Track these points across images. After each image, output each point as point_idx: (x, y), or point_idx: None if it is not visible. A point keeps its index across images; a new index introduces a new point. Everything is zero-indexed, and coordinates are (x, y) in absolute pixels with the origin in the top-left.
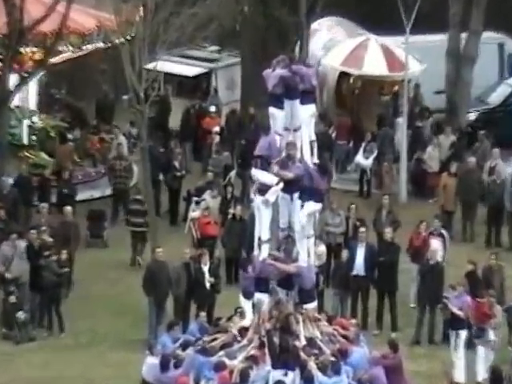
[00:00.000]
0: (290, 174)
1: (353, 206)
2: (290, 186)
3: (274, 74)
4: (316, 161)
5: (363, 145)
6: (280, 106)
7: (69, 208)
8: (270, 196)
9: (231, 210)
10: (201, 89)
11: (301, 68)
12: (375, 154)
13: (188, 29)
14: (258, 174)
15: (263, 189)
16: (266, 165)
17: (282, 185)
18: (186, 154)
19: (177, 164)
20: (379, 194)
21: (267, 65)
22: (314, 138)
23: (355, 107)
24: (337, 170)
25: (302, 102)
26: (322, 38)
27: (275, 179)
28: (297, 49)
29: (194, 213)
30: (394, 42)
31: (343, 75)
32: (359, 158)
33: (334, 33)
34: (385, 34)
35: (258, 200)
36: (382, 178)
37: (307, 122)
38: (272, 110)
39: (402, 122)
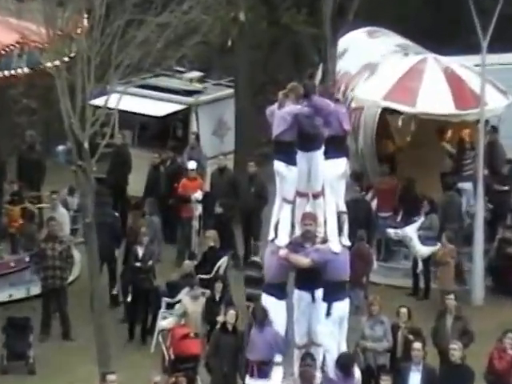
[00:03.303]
0: (305, 261)
1: (403, 309)
2: (307, 280)
3: (282, 113)
4: (347, 242)
5: (419, 220)
6: (291, 161)
7: None
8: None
9: (220, 318)
10: (174, 136)
11: (325, 102)
12: (437, 246)
13: (155, 45)
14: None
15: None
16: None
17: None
18: (153, 234)
19: (140, 251)
20: (442, 291)
21: (272, 98)
22: (343, 207)
23: (406, 162)
24: (379, 255)
25: (328, 155)
26: (356, 59)
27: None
28: (318, 75)
29: (165, 321)
30: (463, 64)
31: (388, 115)
32: (413, 240)
33: (372, 51)
34: (450, 52)
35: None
36: (446, 267)
37: (334, 185)
38: (279, 166)
39: (469, 185)
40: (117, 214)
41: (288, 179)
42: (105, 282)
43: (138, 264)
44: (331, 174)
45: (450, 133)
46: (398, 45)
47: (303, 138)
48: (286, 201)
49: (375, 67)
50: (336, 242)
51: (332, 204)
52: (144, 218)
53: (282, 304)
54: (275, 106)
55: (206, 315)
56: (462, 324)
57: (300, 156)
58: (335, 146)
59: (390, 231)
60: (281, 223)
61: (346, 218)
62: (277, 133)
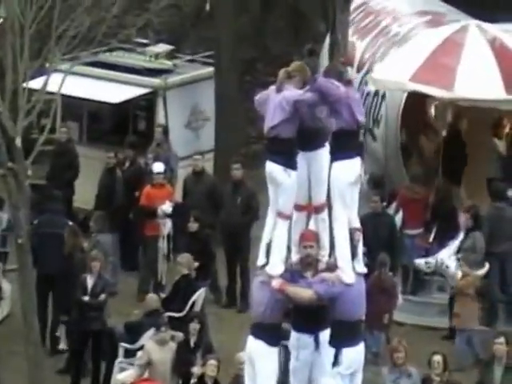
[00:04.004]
0: (306, 294)
1: (437, 357)
2: (309, 319)
3: (279, 98)
4: (362, 269)
5: (458, 238)
6: (290, 164)
7: None
8: None
9: (196, 369)
10: (135, 129)
11: (332, 86)
12: (486, 269)
13: (110, 10)
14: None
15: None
16: None
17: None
18: (107, 259)
19: (89, 281)
20: (489, 332)
21: (265, 80)
22: (357, 223)
23: (441, 164)
24: (405, 287)
25: (336, 156)
26: (375, 28)
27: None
28: (324, 50)
29: (123, 374)
30: None
31: (416, 101)
32: (451, 267)
33: (396, 17)
34: (499, 17)
35: None
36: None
37: (344, 195)
38: (274, 170)
39: None
40: (71, 223)
41: (285, 188)
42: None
43: (86, 298)
44: (340, 179)
45: (501, 125)
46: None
47: (301, 133)
48: (282, 216)
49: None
50: (348, 270)
51: (342, 219)
52: (91, 237)
53: (274, 352)
54: (270, 90)
55: (176, 366)
56: None
57: (302, 157)
58: (345, 144)
59: (420, 262)
60: (274, 245)
61: (360, 237)
62: (272, 125)
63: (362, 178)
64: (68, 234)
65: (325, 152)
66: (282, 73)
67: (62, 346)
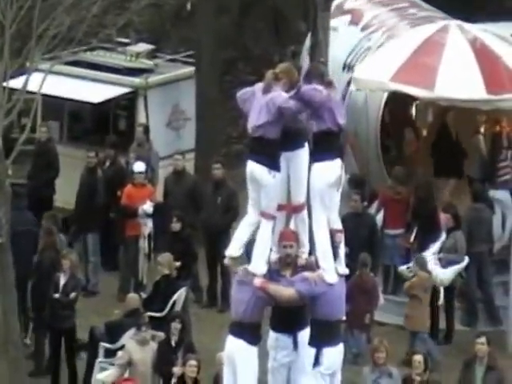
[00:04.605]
0: (287, 292)
1: (417, 357)
2: (288, 319)
3: (266, 99)
4: (344, 270)
5: (439, 238)
6: (275, 166)
7: None
8: None
9: (177, 369)
10: (116, 128)
11: (315, 92)
12: (465, 262)
13: (91, 9)
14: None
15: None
16: None
17: None
18: (86, 258)
19: (62, 279)
20: (469, 332)
21: (246, 79)
22: (338, 224)
23: (421, 164)
24: (386, 285)
25: (316, 157)
26: (354, 29)
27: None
28: (305, 50)
29: (104, 374)
30: (497, 33)
31: (397, 101)
32: (431, 264)
33: (378, 18)
34: (479, 18)
35: None
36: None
37: (324, 196)
38: (257, 171)
39: (505, 194)
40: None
41: (269, 189)
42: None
43: (57, 295)
44: (320, 180)
45: (480, 125)
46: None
47: (281, 133)
48: (266, 216)
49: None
50: (330, 270)
51: (322, 220)
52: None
53: (254, 351)
54: (255, 88)
55: (157, 365)
56: (497, 376)
57: (284, 158)
58: (326, 145)
59: (402, 269)
60: (258, 244)
61: (341, 237)
62: (258, 124)
63: (342, 180)
64: (43, 232)
65: (304, 152)
66: (269, 74)
67: (27, 341)
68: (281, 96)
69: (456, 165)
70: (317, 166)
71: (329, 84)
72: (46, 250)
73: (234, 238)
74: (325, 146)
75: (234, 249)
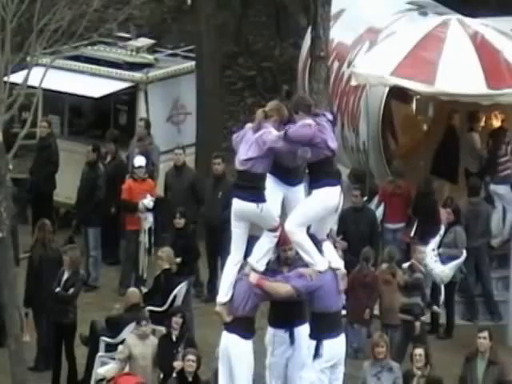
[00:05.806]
0: (284, 288)
1: (418, 351)
2: (284, 315)
3: (256, 137)
4: (339, 265)
5: (439, 233)
6: (260, 198)
7: None
8: None
9: (177, 364)
10: (116, 123)
11: (302, 132)
12: (463, 257)
13: (91, 4)
14: None
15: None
16: None
17: None
18: (87, 252)
19: (66, 275)
20: (470, 326)
21: (246, 74)
22: (337, 264)
23: (421, 158)
24: None
25: (315, 184)
26: (356, 24)
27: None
28: (305, 44)
29: (104, 368)
30: (497, 28)
31: (398, 96)
32: (430, 259)
33: (376, 12)
34: (480, 12)
35: None
36: (472, 297)
37: (323, 220)
38: (245, 207)
39: (505, 188)
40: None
41: (262, 216)
42: None
43: (58, 289)
44: (320, 206)
45: (480, 119)
46: (410, 2)
47: (281, 170)
48: (273, 229)
49: (380, 33)
50: (317, 258)
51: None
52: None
53: (248, 344)
54: (246, 128)
55: (158, 359)
56: (498, 371)
57: (276, 182)
58: (324, 171)
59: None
60: (260, 247)
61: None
62: (246, 158)
63: (339, 207)
64: (38, 227)
65: (301, 187)
66: (259, 113)
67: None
68: (271, 133)
69: (455, 171)
70: (316, 192)
71: (316, 115)
72: (36, 245)
73: (222, 284)
74: (323, 173)
75: (222, 295)
